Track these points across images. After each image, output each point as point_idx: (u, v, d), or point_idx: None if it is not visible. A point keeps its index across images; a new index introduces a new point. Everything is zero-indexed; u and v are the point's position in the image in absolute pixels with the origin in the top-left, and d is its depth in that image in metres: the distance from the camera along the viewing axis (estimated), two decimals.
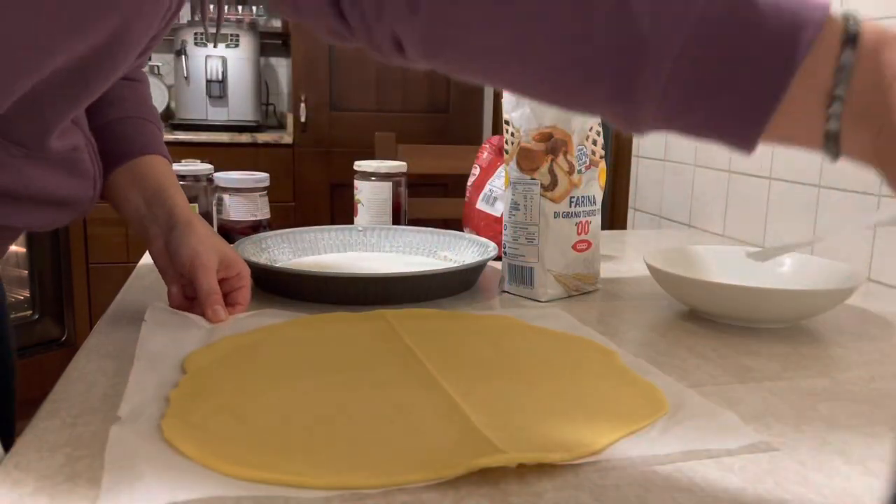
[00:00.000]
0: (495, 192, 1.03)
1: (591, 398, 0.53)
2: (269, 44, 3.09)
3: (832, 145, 0.36)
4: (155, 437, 0.46)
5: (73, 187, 0.60)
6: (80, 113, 0.62)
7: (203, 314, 0.68)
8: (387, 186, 1.08)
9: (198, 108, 2.79)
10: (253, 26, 2.93)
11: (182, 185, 0.99)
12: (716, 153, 1.33)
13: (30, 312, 2.31)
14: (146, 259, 0.97)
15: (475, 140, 2.85)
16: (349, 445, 0.45)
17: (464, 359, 0.61)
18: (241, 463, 0.42)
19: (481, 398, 0.52)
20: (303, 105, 2.68)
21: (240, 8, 3.02)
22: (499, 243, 0.91)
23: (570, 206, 0.83)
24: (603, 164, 0.86)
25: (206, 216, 1.02)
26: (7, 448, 0.47)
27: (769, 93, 0.36)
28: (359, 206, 1.09)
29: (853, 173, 1.02)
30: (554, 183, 0.81)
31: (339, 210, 2.71)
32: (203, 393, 0.52)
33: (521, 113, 0.82)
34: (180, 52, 2.78)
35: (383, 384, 0.55)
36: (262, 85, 3.07)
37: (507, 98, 0.84)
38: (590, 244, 0.86)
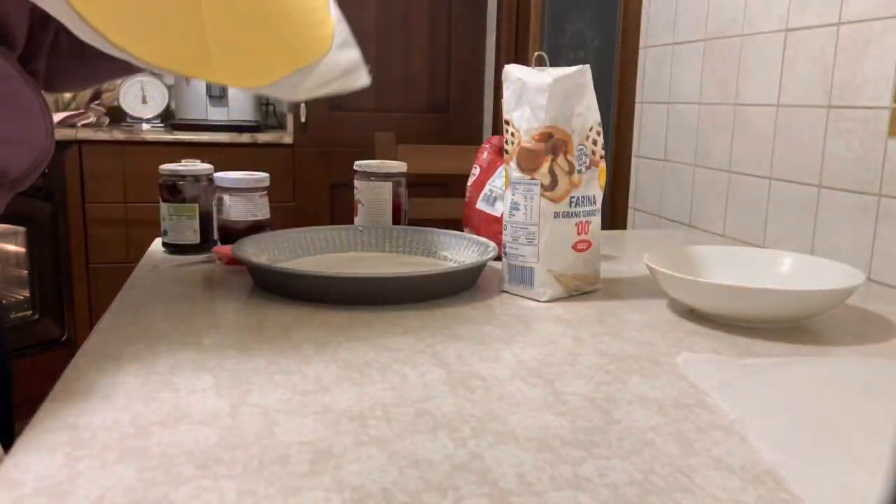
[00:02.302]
0: (495, 192, 1.03)
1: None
2: None
3: None
4: None
5: (20, 122, 0.61)
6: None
7: None
8: (387, 186, 1.08)
9: (198, 108, 2.78)
10: None
11: (182, 185, 1.00)
12: (716, 153, 1.33)
13: (30, 312, 2.31)
14: (146, 259, 0.98)
15: (475, 140, 2.85)
16: None
17: None
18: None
19: None
20: (303, 105, 2.68)
21: None
22: (499, 243, 0.91)
23: (570, 206, 0.83)
24: (603, 164, 0.86)
25: (206, 216, 1.02)
26: (7, 449, 0.47)
27: None
28: (359, 206, 1.09)
29: (853, 173, 1.02)
30: (554, 183, 0.81)
31: (339, 210, 2.71)
32: None
33: (521, 113, 0.82)
34: None
35: None
36: None
37: (508, 98, 0.84)
38: (590, 244, 0.86)
